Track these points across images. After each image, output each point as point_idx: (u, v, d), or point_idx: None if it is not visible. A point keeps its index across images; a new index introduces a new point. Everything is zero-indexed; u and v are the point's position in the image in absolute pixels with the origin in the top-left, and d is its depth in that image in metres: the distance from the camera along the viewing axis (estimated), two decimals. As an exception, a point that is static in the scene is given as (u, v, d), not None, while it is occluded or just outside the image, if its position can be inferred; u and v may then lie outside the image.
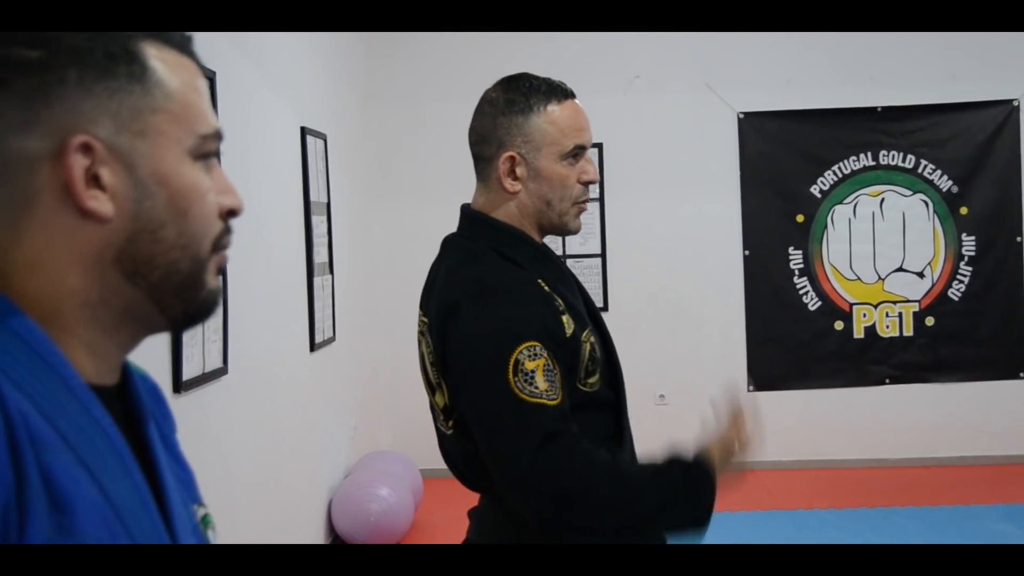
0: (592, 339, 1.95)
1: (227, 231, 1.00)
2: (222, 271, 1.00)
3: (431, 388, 1.99)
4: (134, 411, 1.01)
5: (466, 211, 2.05)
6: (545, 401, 1.80)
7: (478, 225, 2.02)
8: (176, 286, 0.96)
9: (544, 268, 1.97)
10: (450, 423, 1.96)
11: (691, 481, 1.87)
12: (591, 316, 2.06)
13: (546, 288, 1.92)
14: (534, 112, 1.96)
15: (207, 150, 0.98)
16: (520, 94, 1.97)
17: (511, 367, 1.80)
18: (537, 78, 2.00)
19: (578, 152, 1.99)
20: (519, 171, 1.97)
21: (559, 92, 1.99)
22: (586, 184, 2.01)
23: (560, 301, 1.92)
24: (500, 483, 1.84)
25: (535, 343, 1.82)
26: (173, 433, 1.12)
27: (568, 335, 1.89)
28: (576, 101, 2.02)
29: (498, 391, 1.80)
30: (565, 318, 1.90)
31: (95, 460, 0.89)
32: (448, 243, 2.06)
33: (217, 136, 0.98)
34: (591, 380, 1.93)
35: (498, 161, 1.97)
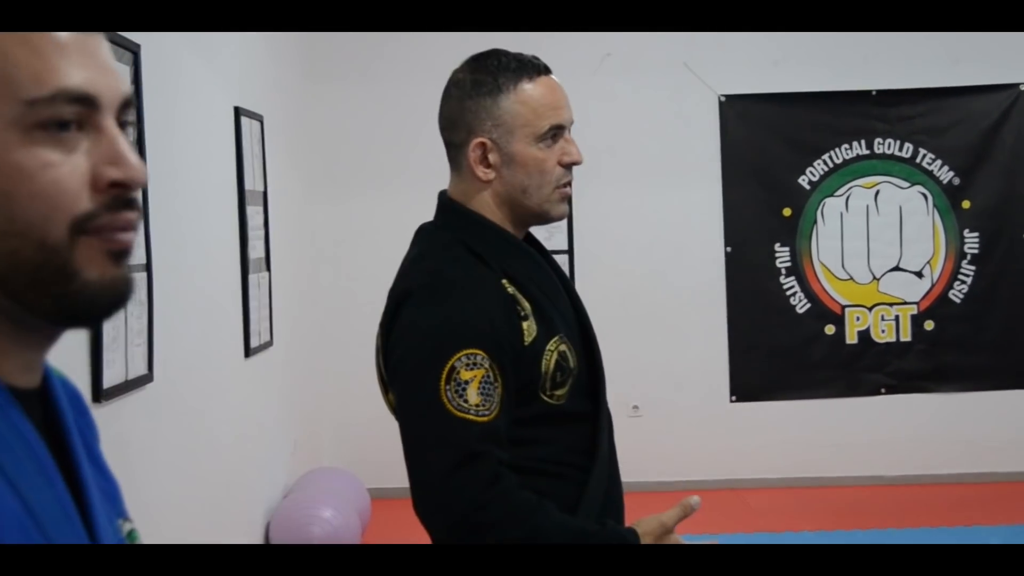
0: (563, 347, 1.97)
1: (108, 208, 0.93)
2: (117, 255, 0.94)
3: (384, 386, 2.02)
4: (55, 417, 1.01)
5: (441, 199, 2.09)
6: (472, 417, 1.84)
7: (450, 214, 2.06)
8: (29, 279, 0.92)
9: (516, 266, 2.00)
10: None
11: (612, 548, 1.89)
12: (579, 320, 2.09)
13: (510, 289, 1.95)
14: (503, 93, 1.98)
15: (47, 117, 0.91)
16: (487, 73, 1.99)
17: (445, 373, 1.84)
18: (507, 54, 2.03)
19: (555, 132, 2.01)
20: (491, 158, 2.00)
21: (531, 68, 2.01)
22: (568, 166, 2.03)
23: (526, 304, 1.95)
24: (413, 493, 1.90)
25: (477, 351, 1.86)
26: (96, 443, 1.12)
27: (527, 343, 1.92)
28: (552, 77, 2.05)
29: (426, 396, 1.85)
30: (526, 324, 1.93)
31: (14, 468, 0.90)
32: (419, 232, 2.11)
33: (67, 96, 0.91)
34: (559, 392, 1.97)
35: (468, 148, 2.00)
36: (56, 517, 0.92)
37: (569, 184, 2.06)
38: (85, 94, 0.92)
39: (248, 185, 5.30)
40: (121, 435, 3.56)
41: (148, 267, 3.76)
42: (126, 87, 0.98)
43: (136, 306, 3.65)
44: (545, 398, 1.95)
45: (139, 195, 0.97)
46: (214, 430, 4.66)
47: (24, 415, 0.94)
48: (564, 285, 2.13)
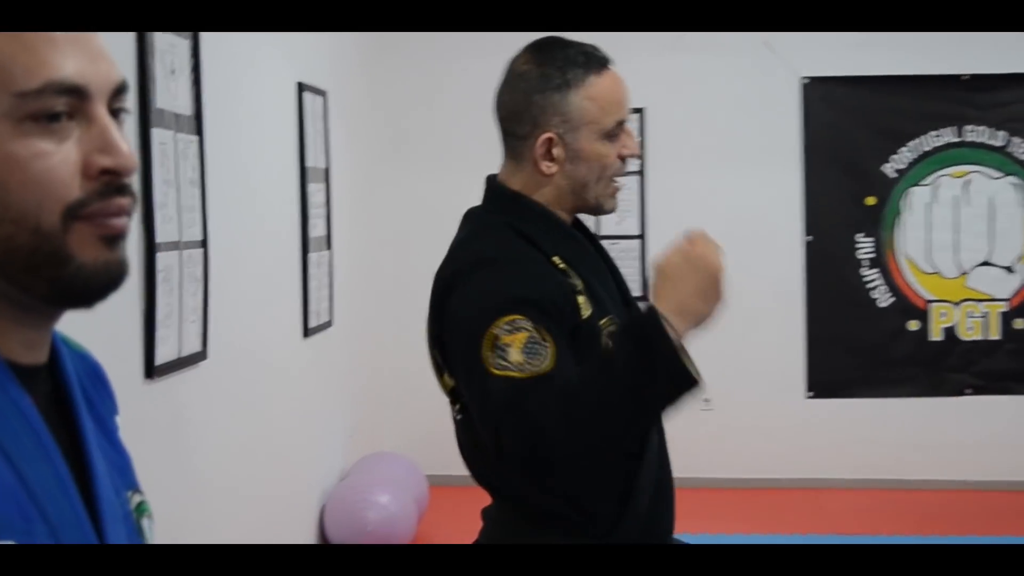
0: (612, 328, 2.05)
1: (99, 195, 1.00)
2: (110, 240, 1.01)
3: (437, 369, 2.12)
4: (62, 392, 1.09)
5: (490, 183, 2.19)
6: (514, 373, 1.88)
7: (500, 199, 2.15)
8: (24, 263, 0.99)
9: (565, 249, 2.09)
10: (457, 407, 2.09)
11: (645, 351, 1.85)
12: (626, 303, 2.17)
13: (562, 266, 2.04)
14: (572, 88, 2.07)
15: (38, 109, 0.98)
16: (555, 68, 2.08)
17: (487, 341, 1.91)
18: (571, 45, 2.11)
19: (619, 128, 2.11)
20: (555, 152, 2.09)
21: (596, 62, 2.10)
22: (626, 159, 2.13)
23: (578, 282, 2.04)
24: (496, 460, 1.95)
25: (517, 316, 1.92)
26: (112, 415, 1.21)
27: (584, 317, 2.00)
28: (614, 69, 2.13)
29: (475, 367, 1.92)
30: (582, 299, 2.02)
31: (11, 442, 0.97)
32: (467, 216, 2.20)
33: (56, 88, 0.98)
34: None
35: (533, 142, 2.09)
36: (51, 490, 0.99)
37: (623, 175, 2.15)
38: (75, 85, 0.99)
39: (310, 162, 5.42)
40: (173, 413, 3.69)
41: (204, 243, 3.88)
42: (117, 75, 1.04)
43: (191, 282, 3.77)
44: None
45: (133, 181, 1.04)
46: (269, 411, 4.79)
47: (23, 391, 1.01)
48: (611, 270, 2.22)
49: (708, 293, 1.92)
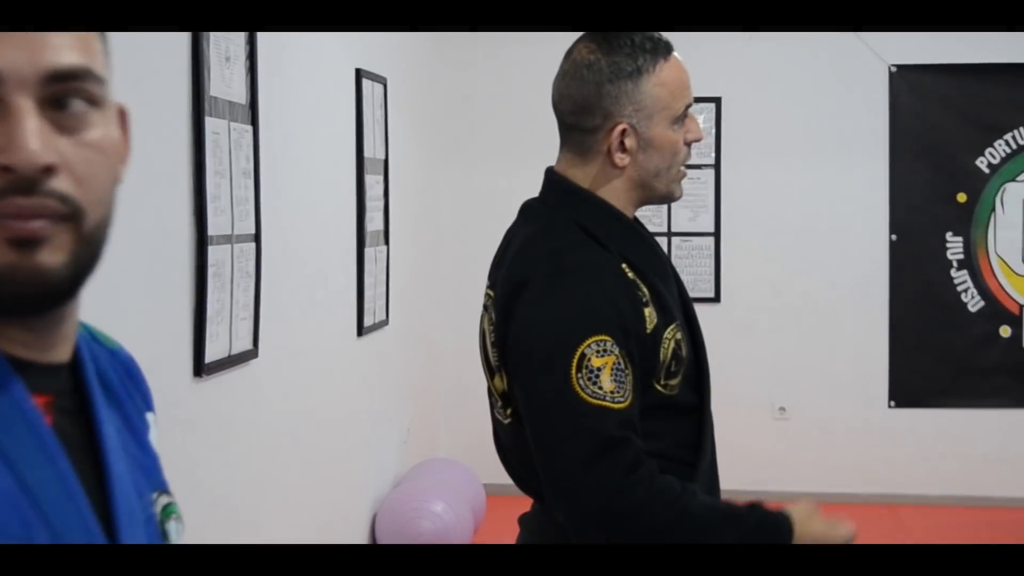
0: (678, 335, 2.09)
1: (2, 192, 0.96)
2: (20, 243, 0.98)
3: (490, 370, 2.15)
4: (83, 392, 1.10)
5: (552, 176, 2.22)
6: (609, 404, 1.94)
7: (564, 194, 2.18)
8: None
9: (632, 249, 2.12)
10: (508, 411, 2.13)
11: (766, 534, 2.00)
12: (683, 307, 2.20)
13: (630, 274, 2.07)
14: (644, 75, 2.11)
15: None
16: (625, 56, 2.11)
17: (576, 362, 1.95)
18: (635, 34, 2.14)
19: (687, 112, 2.17)
20: (628, 143, 2.12)
21: (663, 48, 2.15)
22: (691, 145, 2.19)
23: (645, 290, 2.07)
24: (547, 488, 2.00)
25: (606, 337, 1.96)
26: (142, 414, 1.22)
27: (649, 331, 2.04)
28: (677, 54, 2.17)
29: (558, 387, 1.95)
30: (648, 311, 2.05)
31: (13, 446, 0.99)
32: (527, 209, 2.23)
33: None
34: (672, 382, 2.08)
35: (607, 134, 2.12)
36: (54, 495, 1.00)
37: (689, 161, 2.20)
38: None
39: (368, 152, 5.48)
40: (222, 412, 3.76)
41: (257, 237, 3.95)
42: (50, 61, 0.99)
43: (243, 278, 3.84)
44: (659, 388, 2.06)
45: (63, 181, 1.00)
46: (321, 412, 4.86)
47: (27, 391, 1.02)
48: (671, 270, 2.25)
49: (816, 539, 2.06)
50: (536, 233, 2.15)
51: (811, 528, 2.03)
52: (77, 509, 1.01)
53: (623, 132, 2.11)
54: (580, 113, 2.14)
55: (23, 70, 0.97)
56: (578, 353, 1.95)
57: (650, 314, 2.05)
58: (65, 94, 1.00)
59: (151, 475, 1.18)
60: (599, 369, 1.94)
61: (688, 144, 2.17)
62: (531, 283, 2.05)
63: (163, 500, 1.18)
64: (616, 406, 1.94)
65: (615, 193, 2.16)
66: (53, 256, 1.00)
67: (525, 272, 2.07)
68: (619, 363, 1.96)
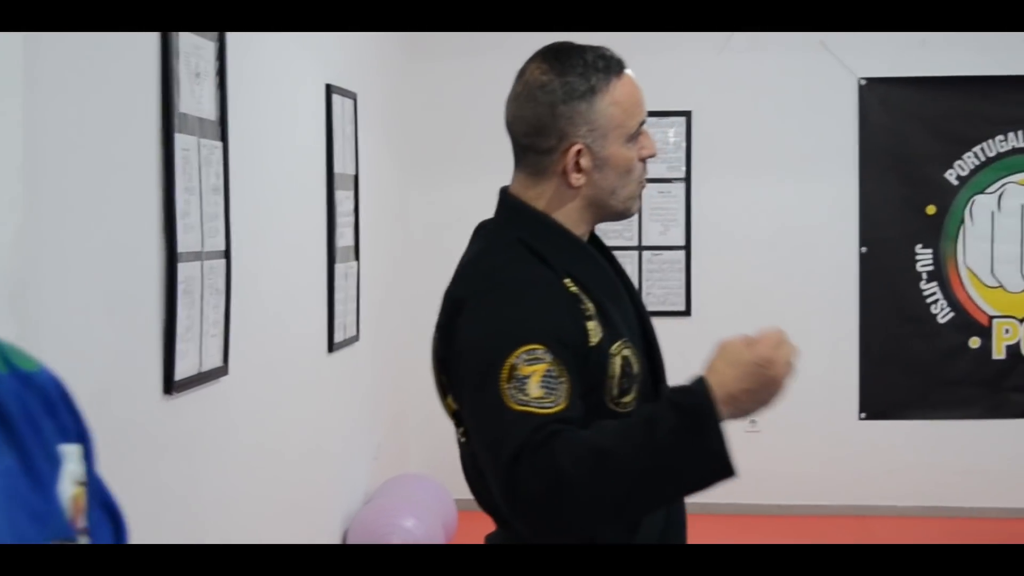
0: (627, 352, 2.09)
1: None
2: None
3: (441, 390, 2.16)
4: None
5: (504, 196, 2.23)
6: (533, 409, 1.92)
7: (512, 212, 2.19)
8: None
9: (578, 267, 2.13)
10: (461, 431, 2.13)
11: (686, 422, 1.87)
12: (641, 324, 2.21)
13: (573, 288, 2.07)
14: (597, 95, 2.12)
15: None
16: (578, 75, 2.12)
17: (506, 373, 1.95)
18: (586, 51, 2.15)
19: (641, 130, 2.17)
20: (583, 162, 2.13)
21: (615, 66, 2.15)
22: (646, 160, 2.19)
23: (590, 305, 2.07)
24: (497, 500, 1.99)
25: (537, 346, 1.96)
26: (52, 448, 1.08)
27: (593, 344, 2.03)
28: (629, 71, 2.18)
29: (489, 397, 1.95)
30: (591, 324, 2.04)
31: None
32: (478, 229, 2.25)
33: None
34: (625, 399, 2.08)
35: (562, 155, 2.13)
36: None
37: (645, 177, 2.20)
38: None
39: (338, 168, 5.48)
40: (192, 430, 3.76)
41: (227, 254, 3.95)
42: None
43: (213, 294, 3.84)
44: (612, 407, 2.05)
45: None
46: (291, 429, 4.85)
47: None
48: (627, 288, 2.25)
49: (761, 397, 1.92)
50: (478, 252, 2.17)
51: (731, 369, 1.89)
52: None
53: (578, 152, 2.11)
54: (534, 135, 2.14)
55: None
56: (508, 364, 1.95)
57: (594, 328, 2.04)
58: None
59: (48, 523, 1.03)
60: (527, 377, 1.93)
61: (643, 160, 2.18)
62: (468, 302, 2.06)
63: None
64: (541, 411, 1.91)
65: (569, 213, 2.16)
66: None
67: (463, 292, 2.09)
68: (551, 371, 1.94)
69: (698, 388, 1.89)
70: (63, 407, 1.11)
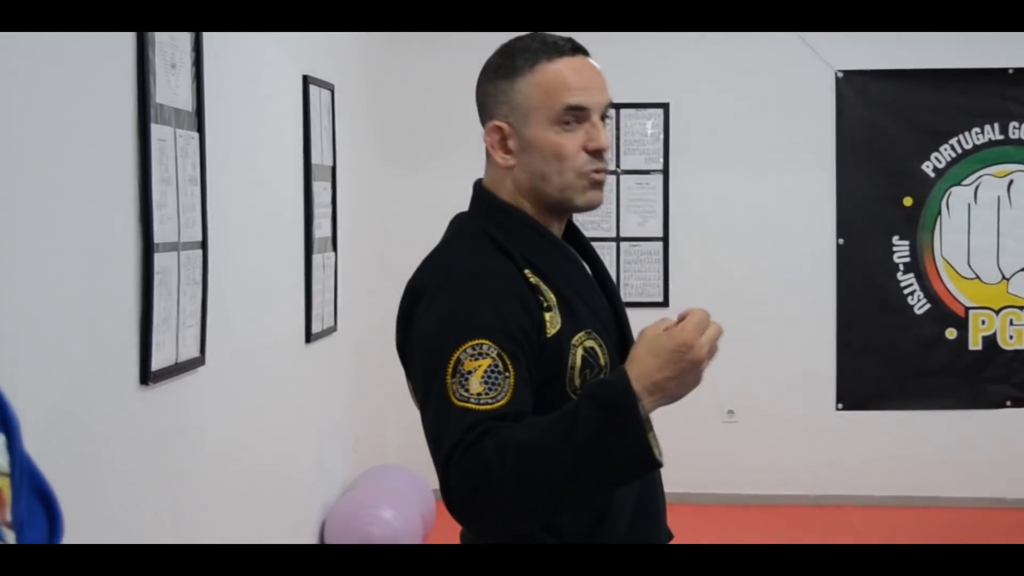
0: (591, 343, 2.09)
1: None
2: None
3: (408, 380, 2.17)
4: None
5: (475, 187, 2.26)
6: (472, 406, 1.93)
7: (477, 203, 2.22)
8: None
9: (541, 256, 2.13)
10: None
11: (606, 414, 1.87)
12: (616, 317, 2.22)
13: (532, 279, 2.08)
14: (519, 74, 2.13)
15: None
16: (508, 56, 2.15)
17: (451, 366, 1.96)
18: (538, 36, 2.16)
19: (576, 115, 2.12)
20: (510, 143, 2.14)
21: (554, 49, 2.13)
22: (593, 153, 2.13)
23: (550, 296, 2.07)
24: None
25: (483, 340, 1.97)
26: None
27: (550, 335, 2.04)
28: (582, 58, 2.16)
29: (435, 391, 1.97)
30: (549, 315, 2.05)
31: None
32: (452, 222, 2.27)
33: None
34: None
35: (488, 133, 2.16)
36: None
37: (600, 171, 2.14)
38: None
39: (315, 159, 5.49)
40: (169, 421, 3.76)
41: (204, 244, 3.95)
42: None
43: (190, 285, 3.84)
44: (572, 396, 2.04)
45: None
46: (269, 420, 4.87)
47: None
48: (601, 279, 2.26)
49: (686, 381, 1.92)
50: (441, 244, 2.20)
51: (651, 357, 1.89)
52: None
53: (499, 131, 2.13)
54: (479, 113, 2.20)
55: None
56: (454, 358, 1.96)
57: (551, 319, 2.05)
58: None
59: None
60: (471, 372, 1.95)
61: (590, 152, 2.12)
62: (424, 293, 2.07)
63: None
64: (480, 407, 1.92)
65: (511, 194, 2.17)
66: None
67: (421, 282, 2.10)
68: (495, 365, 1.95)
69: (618, 381, 1.89)
70: None
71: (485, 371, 1.95)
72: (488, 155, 2.19)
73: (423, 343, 2.04)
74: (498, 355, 1.96)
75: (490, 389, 1.94)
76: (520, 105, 2.12)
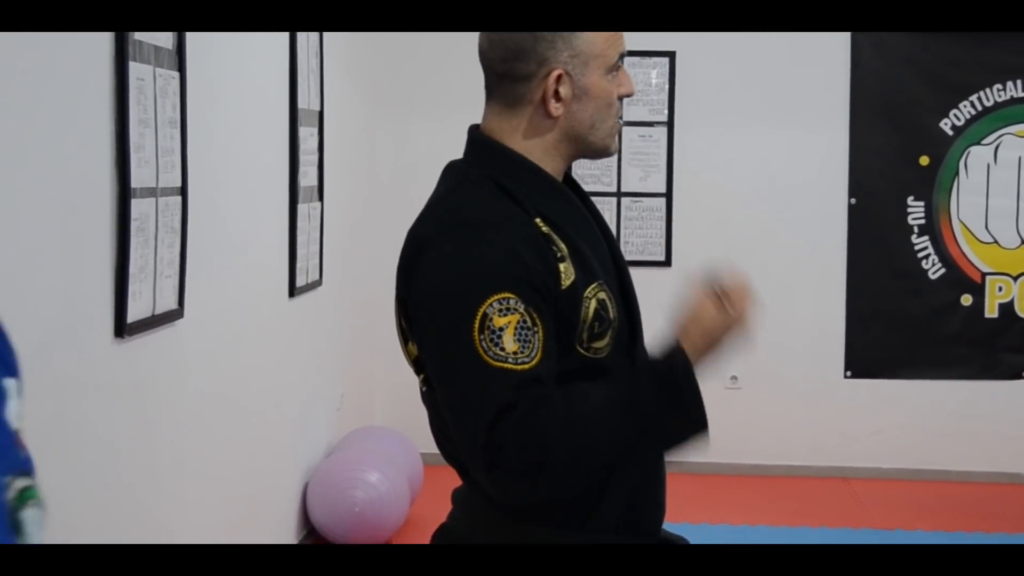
0: (603, 295, 2.10)
1: None
2: None
3: (402, 336, 2.15)
4: None
5: (473, 134, 2.23)
6: (510, 366, 1.95)
7: (482, 150, 2.19)
8: None
9: (551, 207, 2.13)
10: (423, 378, 2.13)
11: (668, 391, 2.02)
12: (617, 269, 2.22)
13: (544, 228, 2.08)
14: None
15: None
16: None
17: (478, 323, 1.96)
18: None
19: (621, 62, 2.18)
20: (563, 91, 2.13)
21: None
22: (623, 98, 2.21)
23: (562, 246, 2.07)
24: (464, 454, 2.02)
25: (510, 295, 1.97)
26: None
27: (565, 287, 2.04)
28: None
29: (461, 349, 1.97)
30: (564, 266, 2.05)
31: None
32: (447, 169, 2.24)
33: None
34: (597, 344, 2.08)
35: (542, 81, 2.13)
36: None
37: (621, 117, 2.22)
38: None
39: (302, 104, 5.46)
40: (144, 375, 3.75)
41: (183, 191, 3.93)
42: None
43: (168, 233, 3.82)
44: (582, 351, 2.06)
45: None
46: (249, 376, 4.86)
47: None
48: (604, 232, 2.25)
49: (726, 350, 2.10)
50: (445, 191, 2.18)
51: (701, 341, 2.05)
52: None
53: (559, 79, 2.12)
54: (513, 60, 2.14)
55: None
56: (480, 313, 1.96)
57: (566, 269, 2.05)
58: None
59: (5, 456, 1.08)
60: (502, 329, 1.96)
61: (621, 98, 2.19)
62: (432, 241, 2.06)
63: (20, 484, 1.09)
64: (518, 367, 1.95)
65: (545, 145, 2.16)
66: None
67: (427, 230, 2.09)
68: (524, 320, 1.97)
69: (678, 359, 2.03)
70: (2, 341, 1.13)
71: (516, 327, 1.97)
72: (518, 102, 2.16)
73: (440, 296, 2.03)
74: (525, 310, 1.98)
75: (524, 347, 1.97)
76: (582, 52, 2.13)
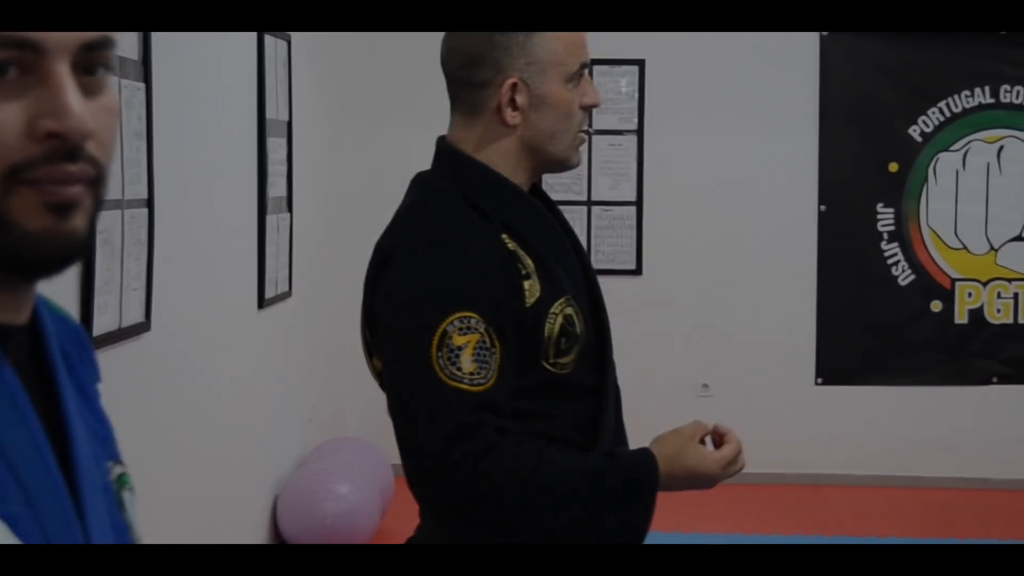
0: (569, 311, 2.09)
1: (46, 159, 1.03)
2: (58, 208, 1.04)
3: (367, 350, 2.15)
4: (41, 354, 1.14)
5: (440, 145, 2.22)
6: (466, 387, 1.94)
7: (448, 162, 2.18)
8: None
9: (519, 220, 2.12)
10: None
11: (627, 492, 2.04)
12: (587, 282, 2.21)
13: (510, 245, 2.07)
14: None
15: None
16: None
17: (436, 340, 1.96)
18: None
19: (581, 72, 2.17)
20: (519, 100, 2.12)
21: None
22: (587, 109, 2.19)
23: (528, 262, 2.07)
24: (406, 473, 2.02)
25: (471, 314, 1.97)
26: (94, 383, 1.25)
27: (529, 304, 2.04)
28: None
29: (417, 366, 1.96)
30: (528, 284, 2.05)
31: None
32: (415, 180, 2.23)
33: (3, 40, 1.01)
34: (563, 360, 2.08)
35: (498, 88, 2.12)
36: (26, 455, 1.04)
37: (584, 130, 2.20)
38: (23, 39, 1.02)
39: (270, 114, 5.45)
40: (111, 389, 3.67)
41: (150, 203, 3.92)
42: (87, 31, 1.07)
43: (135, 245, 3.81)
44: (547, 366, 2.06)
45: (93, 146, 1.06)
46: (218, 389, 4.84)
47: (2, 353, 1.06)
48: (573, 244, 2.25)
49: (696, 486, 2.15)
50: (411, 202, 2.17)
51: (680, 463, 2.09)
52: (48, 472, 1.05)
53: (514, 87, 2.10)
54: (470, 67, 2.13)
55: (64, 39, 1.04)
56: (439, 331, 1.96)
57: (531, 287, 2.05)
58: (95, 61, 1.06)
59: (106, 444, 1.22)
60: (460, 348, 1.95)
61: (584, 108, 2.17)
62: (397, 255, 2.06)
63: (117, 470, 1.22)
64: (474, 388, 1.95)
65: (505, 155, 2.15)
66: (80, 220, 1.07)
67: (393, 243, 2.08)
68: (483, 340, 1.97)
69: (648, 472, 2.06)
70: (90, 349, 1.27)
71: (475, 347, 1.96)
72: (477, 110, 2.15)
73: (400, 309, 2.03)
74: (485, 330, 1.98)
75: (481, 368, 1.96)
76: (539, 60, 2.11)
